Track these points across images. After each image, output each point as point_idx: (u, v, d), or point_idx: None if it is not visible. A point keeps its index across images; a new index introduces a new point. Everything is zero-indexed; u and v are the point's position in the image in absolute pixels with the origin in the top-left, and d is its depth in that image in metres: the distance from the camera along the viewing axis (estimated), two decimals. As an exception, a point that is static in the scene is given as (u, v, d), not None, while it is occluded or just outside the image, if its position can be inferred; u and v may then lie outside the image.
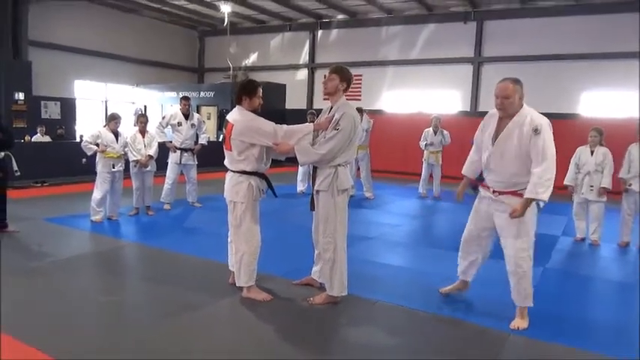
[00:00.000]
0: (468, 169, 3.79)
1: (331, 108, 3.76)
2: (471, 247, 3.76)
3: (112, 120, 6.46)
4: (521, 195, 3.26)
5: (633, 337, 3.44)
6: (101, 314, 3.58)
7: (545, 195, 3.16)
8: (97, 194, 6.31)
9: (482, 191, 3.60)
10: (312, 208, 3.82)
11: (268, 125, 3.68)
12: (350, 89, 3.81)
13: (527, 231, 3.35)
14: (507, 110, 3.30)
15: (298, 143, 3.64)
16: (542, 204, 3.34)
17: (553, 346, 3.23)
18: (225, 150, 3.83)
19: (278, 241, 5.23)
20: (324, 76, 3.77)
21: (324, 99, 3.83)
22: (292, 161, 4.01)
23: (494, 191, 3.43)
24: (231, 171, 3.79)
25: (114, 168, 6.39)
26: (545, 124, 3.21)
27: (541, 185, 3.14)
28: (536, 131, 3.16)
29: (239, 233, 3.77)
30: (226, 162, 3.85)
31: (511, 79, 3.33)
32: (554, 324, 3.62)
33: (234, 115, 3.79)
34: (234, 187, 3.74)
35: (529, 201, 3.22)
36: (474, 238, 3.72)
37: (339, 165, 3.64)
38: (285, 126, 3.73)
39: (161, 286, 4.11)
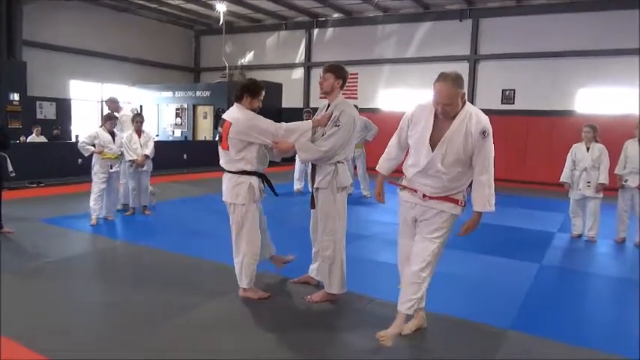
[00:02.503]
0: (385, 167, 3.33)
1: (328, 106, 3.75)
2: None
3: (108, 120, 6.43)
4: (452, 200, 2.98)
5: (631, 333, 3.45)
6: (98, 315, 3.56)
7: (494, 206, 2.93)
8: (94, 195, 6.28)
9: (403, 195, 3.16)
10: (313, 206, 3.81)
11: (268, 124, 3.66)
12: (346, 88, 3.80)
13: (445, 238, 3.03)
14: (450, 114, 2.89)
15: (298, 141, 3.63)
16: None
17: (550, 342, 3.23)
18: (220, 150, 3.74)
19: (275, 239, 5.20)
20: (320, 76, 3.76)
21: (321, 97, 3.82)
22: (288, 160, 4.00)
23: (424, 195, 3.02)
24: (229, 172, 3.72)
25: (112, 169, 6.38)
26: (489, 125, 2.89)
27: (492, 195, 2.92)
28: (484, 134, 2.83)
29: (241, 235, 3.73)
30: (222, 162, 3.77)
31: (451, 78, 2.83)
32: (552, 320, 3.63)
33: (232, 113, 3.72)
34: (235, 189, 3.67)
35: (481, 215, 2.95)
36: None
37: (338, 162, 3.64)
38: (284, 124, 3.72)
39: (158, 287, 4.09)
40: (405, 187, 3.15)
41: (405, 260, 3.22)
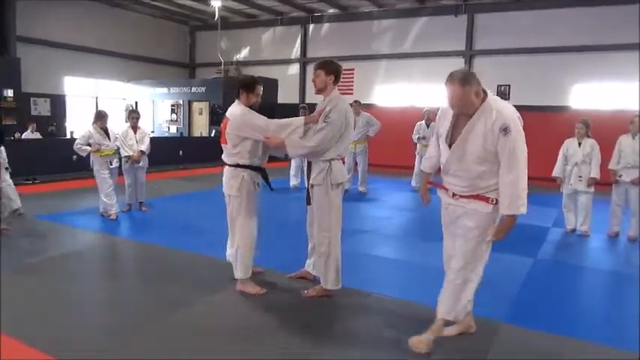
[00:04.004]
0: (426, 165, 3.28)
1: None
2: None
3: (100, 119, 6.38)
4: (484, 199, 2.82)
5: (624, 326, 3.50)
6: (96, 311, 3.58)
7: (524, 208, 2.71)
8: (106, 191, 6.30)
9: (440, 195, 3.09)
10: (309, 202, 3.84)
11: (260, 119, 3.73)
12: (343, 83, 3.81)
13: (481, 239, 2.86)
14: (464, 112, 2.77)
15: (288, 137, 3.67)
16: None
17: (545, 335, 3.28)
18: (222, 144, 3.89)
19: (272, 234, 5.23)
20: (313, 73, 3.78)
21: (316, 93, 3.82)
22: (286, 155, 4.02)
23: (453, 194, 2.93)
24: (227, 165, 3.86)
25: (112, 165, 6.41)
26: (513, 119, 2.69)
27: (518, 197, 2.69)
28: (505, 131, 2.63)
29: (235, 226, 3.84)
30: (223, 156, 3.91)
31: (457, 78, 2.67)
32: (546, 313, 3.67)
33: (231, 110, 3.86)
34: (230, 181, 3.81)
35: (513, 219, 2.76)
36: (453, 256, 3.06)
37: (332, 159, 3.66)
38: (276, 120, 3.77)
39: (156, 282, 4.10)
40: (441, 187, 3.05)
41: (447, 261, 3.17)
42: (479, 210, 2.84)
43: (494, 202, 2.81)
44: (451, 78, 2.70)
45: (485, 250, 2.93)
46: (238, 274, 3.83)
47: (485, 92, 2.73)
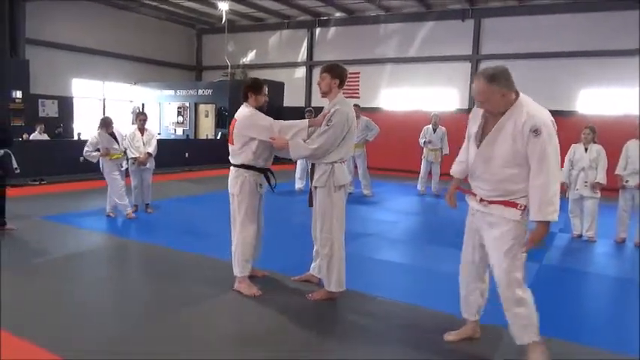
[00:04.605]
0: (456, 170, 3.15)
1: (330, 106, 3.79)
2: (469, 275, 3.08)
3: (105, 126, 6.39)
4: (512, 204, 2.71)
5: (630, 332, 3.47)
6: (101, 311, 3.59)
7: (555, 214, 2.58)
8: (119, 192, 6.36)
9: (468, 201, 2.98)
10: (310, 204, 3.85)
11: (265, 120, 3.79)
12: (349, 87, 3.84)
13: (516, 249, 2.76)
14: (492, 111, 2.71)
15: (292, 138, 3.71)
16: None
17: (549, 340, 3.25)
18: (229, 144, 3.96)
19: (277, 237, 5.24)
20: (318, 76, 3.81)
21: (322, 97, 3.85)
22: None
23: (481, 200, 2.82)
24: (232, 165, 3.93)
25: (122, 167, 6.51)
26: (545, 122, 2.58)
27: (549, 203, 2.56)
28: (535, 132, 2.53)
29: (235, 224, 3.92)
30: (229, 156, 3.97)
31: (485, 75, 2.63)
32: (551, 319, 3.64)
33: (239, 111, 3.95)
34: (233, 181, 3.90)
35: (544, 226, 2.64)
36: (470, 263, 3.04)
37: (334, 162, 3.67)
38: (281, 121, 3.83)
39: (160, 283, 4.12)
40: (468, 192, 2.96)
41: (463, 269, 3.11)
42: (507, 217, 2.73)
43: (523, 207, 2.71)
44: (481, 72, 2.69)
45: (521, 259, 2.82)
46: (236, 270, 3.90)
47: (517, 93, 2.68)
